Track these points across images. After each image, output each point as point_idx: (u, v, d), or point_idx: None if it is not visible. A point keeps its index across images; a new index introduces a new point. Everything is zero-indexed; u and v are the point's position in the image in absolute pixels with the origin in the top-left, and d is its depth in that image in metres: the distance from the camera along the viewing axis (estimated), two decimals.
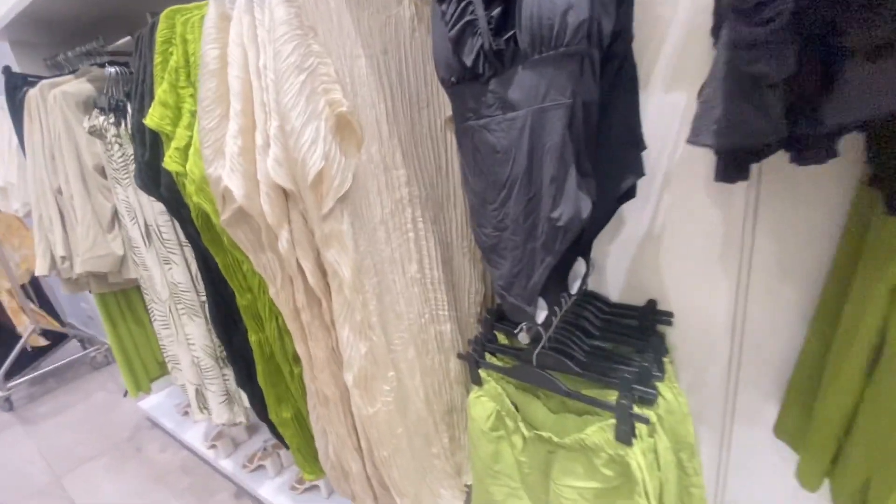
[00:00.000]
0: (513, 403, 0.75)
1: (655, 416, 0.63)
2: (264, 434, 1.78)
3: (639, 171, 0.59)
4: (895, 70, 0.30)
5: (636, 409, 0.60)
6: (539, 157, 0.50)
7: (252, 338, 0.92)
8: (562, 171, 0.49)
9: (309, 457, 1.10)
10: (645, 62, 0.71)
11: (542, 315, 0.62)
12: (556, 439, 0.67)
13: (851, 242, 0.61)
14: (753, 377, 0.82)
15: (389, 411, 0.79)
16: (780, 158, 0.54)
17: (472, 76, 0.53)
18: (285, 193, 0.67)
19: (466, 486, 1.01)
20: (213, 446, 1.74)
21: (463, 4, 0.50)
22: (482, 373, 0.78)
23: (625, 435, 0.60)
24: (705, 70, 0.48)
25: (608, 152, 0.57)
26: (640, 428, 0.61)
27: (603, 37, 0.48)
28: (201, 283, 1.13)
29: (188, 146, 0.73)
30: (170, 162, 0.73)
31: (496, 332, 0.85)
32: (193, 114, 0.75)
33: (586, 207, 0.50)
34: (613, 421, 0.61)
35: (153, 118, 0.73)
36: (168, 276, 1.17)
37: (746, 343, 0.81)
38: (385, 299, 0.77)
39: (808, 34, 0.31)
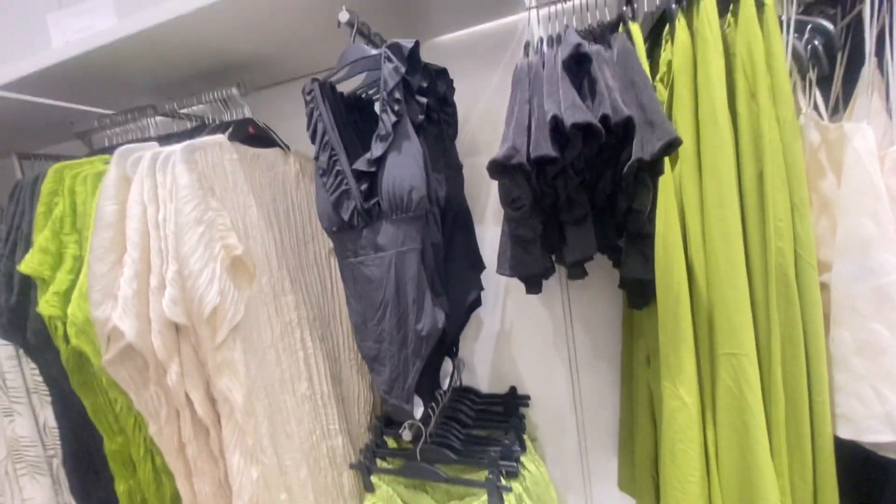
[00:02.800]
0: (403, 503, 0.81)
1: (521, 487, 0.76)
2: None
3: (479, 287, 0.79)
4: (587, 231, 0.54)
5: (502, 482, 0.72)
6: (403, 285, 0.66)
7: (120, 487, 0.85)
8: (420, 295, 0.66)
9: None
10: (479, 206, 0.96)
11: (419, 411, 0.73)
12: None
13: (627, 324, 0.87)
14: (597, 441, 1.01)
15: None
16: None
17: (348, 227, 0.69)
18: (176, 329, 0.72)
19: None
20: None
21: (339, 179, 0.68)
22: (374, 479, 0.84)
23: None
24: None
25: (455, 275, 0.77)
26: (510, 499, 0.72)
27: (439, 199, 0.70)
28: (49, 436, 1.01)
29: (69, 290, 0.74)
30: (46, 306, 0.73)
31: (385, 438, 0.93)
32: (77, 259, 0.78)
33: (441, 319, 0.67)
34: (485, 497, 0.72)
35: (30, 264, 0.74)
36: (9, 431, 1.01)
37: (586, 414, 1.01)
38: (276, 420, 0.81)
39: (545, 213, 0.55)
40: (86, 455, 0.89)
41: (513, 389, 1.04)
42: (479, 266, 0.82)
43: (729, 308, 0.55)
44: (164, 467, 0.85)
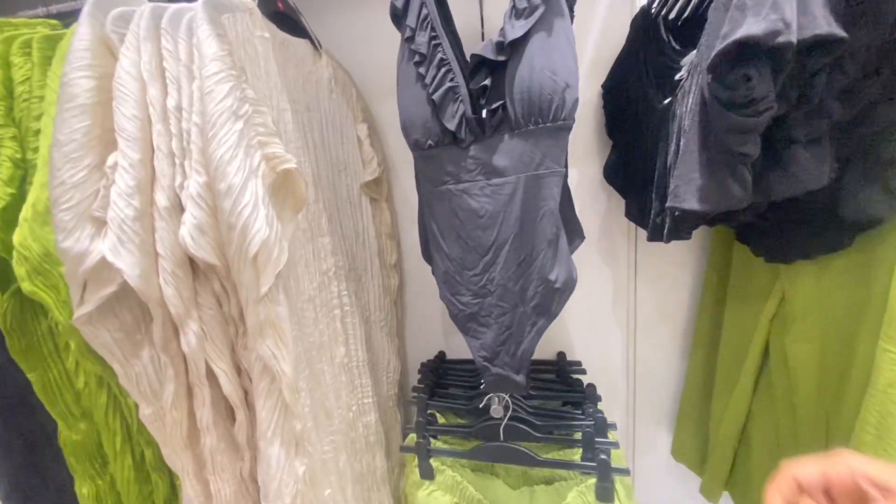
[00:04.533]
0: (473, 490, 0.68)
1: None
2: None
3: (582, 234, 0.65)
4: (823, 154, 0.42)
5: (613, 463, 0.61)
6: (532, 222, 0.50)
7: (83, 489, 0.62)
8: (556, 235, 0.50)
9: None
10: None
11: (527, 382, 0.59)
12: None
13: (709, 287, 0.78)
14: (647, 412, 0.94)
15: None
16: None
17: (451, 141, 0.51)
18: (194, 271, 0.50)
19: None
20: None
21: (444, 70, 0.49)
22: (434, 462, 0.69)
23: (606, 493, 0.60)
24: (587, 156, 0.58)
25: (565, 218, 0.62)
26: (624, 483, 0.62)
27: None
28: None
29: (10, 208, 0.49)
30: None
31: (431, 412, 0.78)
32: (18, 163, 0.51)
33: (575, 268, 0.52)
34: (593, 481, 0.61)
35: None
36: None
37: (639, 382, 0.94)
38: (315, 395, 0.63)
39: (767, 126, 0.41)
40: (25, 449, 0.63)
41: (561, 355, 0.93)
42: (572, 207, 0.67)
43: None
44: (156, 462, 0.62)
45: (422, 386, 0.82)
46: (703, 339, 0.81)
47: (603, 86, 0.74)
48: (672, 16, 0.61)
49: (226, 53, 0.47)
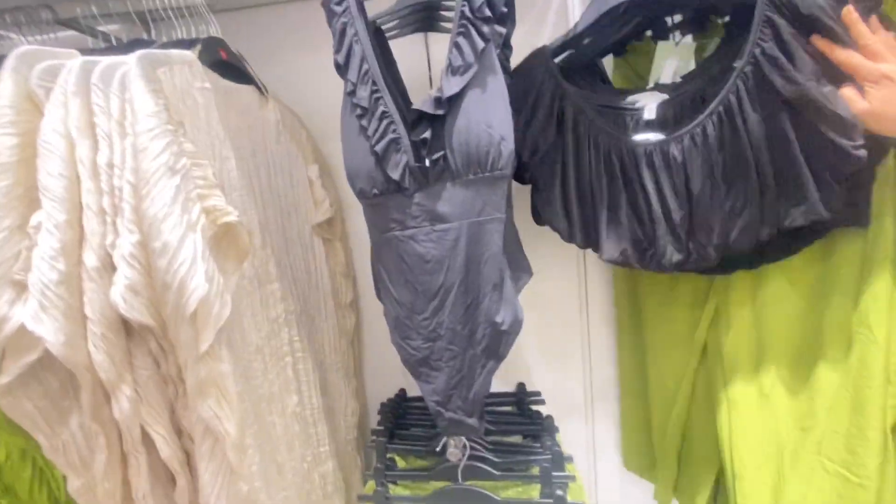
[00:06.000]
0: None
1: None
2: None
3: (530, 270, 0.67)
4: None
5: (569, 499, 0.62)
6: (477, 266, 0.51)
7: None
8: (500, 278, 0.51)
9: None
10: None
11: (481, 424, 0.59)
12: None
13: (631, 297, 0.81)
14: (606, 435, 0.96)
15: None
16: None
17: (396, 189, 0.52)
18: (127, 332, 0.48)
19: None
20: None
21: (386, 122, 0.51)
22: None
23: None
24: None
25: (511, 257, 0.64)
26: None
27: (514, 163, 0.56)
28: None
29: None
30: None
31: (391, 455, 0.76)
32: None
33: (521, 309, 0.53)
34: None
35: None
36: None
37: (596, 405, 0.95)
38: (265, 450, 0.60)
39: None
40: None
41: (521, 386, 0.93)
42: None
43: None
44: None
45: (381, 428, 0.80)
46: (633, 349, 0.83)
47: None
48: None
49: (161, 108, 0.47)
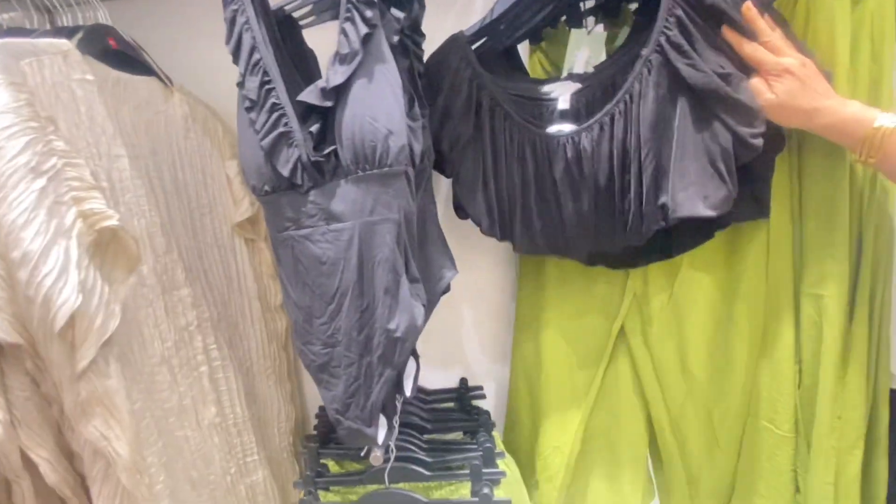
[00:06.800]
0: None
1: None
2: None
3: (454, 266, 0.65)
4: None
5: (495, 496, 0.61)
6: (370, 269, 0.49)
7: None
8: (394, 283, 0.49)
9: None
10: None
11: (382, 433, 0.57)
12: None
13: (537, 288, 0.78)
14: None
15: None
16: None
17: (289, 186, 0.49)
18: None
19: None
20: None
21: (276, 115, 0.48)
22: None
23: None
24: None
25: (429, 253, 0.62)
26: None
27: (415, 157, 0.54)
28: None
29: None
30: None
31: (325, 461, 0.74)
32: None
33: (419, 314, 0.52)
34: None
35: None
36: None
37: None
38: (175, 467, 0.57)
39: None
40: None
41: (463, 381, 0.93)
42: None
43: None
44: None
45: (314, 433, 0.78)
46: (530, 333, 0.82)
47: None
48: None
49: (22, 104, 0.42)
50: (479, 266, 0.90)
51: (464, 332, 0.93)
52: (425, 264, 0.63)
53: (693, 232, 0.58)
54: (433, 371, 0.93)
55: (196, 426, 0.61)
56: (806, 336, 0.59)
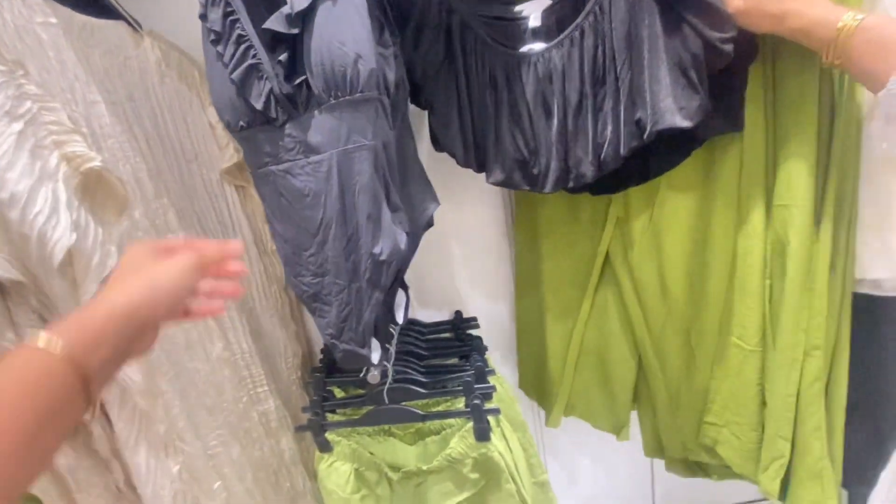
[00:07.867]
0: (371, 454, 0.71)
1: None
2: None
3: (435, 199, 0.67)
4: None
5: (486, 405, 0.66)
6: (351, 198, 0.51)
7: None
8: (375, 209, 0.51)
9: None
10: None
11: (376, 355, 0.61)
12: (424, 467, 0.67)
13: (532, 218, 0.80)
14: None
15: None
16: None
17: (263, 120, 0.50)
18: (2, 292, 0.46)
19: None
20: None
21: (243, 47, 0.47)
22: (330, 436, 0.71)
23: (483, 432, 0.65)
24: None
25: (410, 187, 0.63)
26: (496, 421, 0.67)
27: (388, 85, 0.53)
28: None
29: None
30: None
31: (330, 388, 0.79)
32: None
33: (402, 240, 0.54)
34: (470, 424, 0.66)
35: None
36: None
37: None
38: (190, 395, 0.62)
39: None
40: None
41: (458, 314, 0.97)
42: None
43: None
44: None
45: (320, 366, 0.83)
46: (525, 280, 0.86)
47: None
48: None
49: None
50: (468, 204, 0.91)
51: (455, 268, 0.96)
52: (408, 199, 0.65)
53: (670, 152, 0.58)
54: (428, 308, 0.97)
55: (205, 359, 0.66)
56: (773, 251, 0.60)
